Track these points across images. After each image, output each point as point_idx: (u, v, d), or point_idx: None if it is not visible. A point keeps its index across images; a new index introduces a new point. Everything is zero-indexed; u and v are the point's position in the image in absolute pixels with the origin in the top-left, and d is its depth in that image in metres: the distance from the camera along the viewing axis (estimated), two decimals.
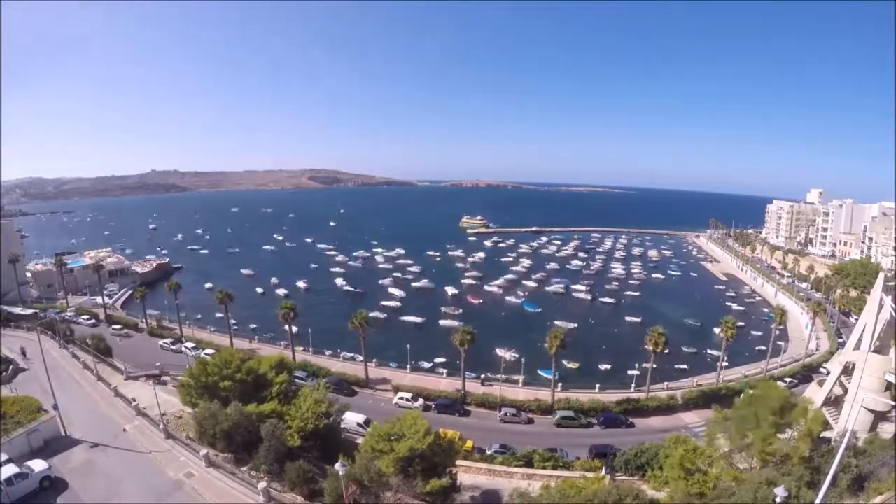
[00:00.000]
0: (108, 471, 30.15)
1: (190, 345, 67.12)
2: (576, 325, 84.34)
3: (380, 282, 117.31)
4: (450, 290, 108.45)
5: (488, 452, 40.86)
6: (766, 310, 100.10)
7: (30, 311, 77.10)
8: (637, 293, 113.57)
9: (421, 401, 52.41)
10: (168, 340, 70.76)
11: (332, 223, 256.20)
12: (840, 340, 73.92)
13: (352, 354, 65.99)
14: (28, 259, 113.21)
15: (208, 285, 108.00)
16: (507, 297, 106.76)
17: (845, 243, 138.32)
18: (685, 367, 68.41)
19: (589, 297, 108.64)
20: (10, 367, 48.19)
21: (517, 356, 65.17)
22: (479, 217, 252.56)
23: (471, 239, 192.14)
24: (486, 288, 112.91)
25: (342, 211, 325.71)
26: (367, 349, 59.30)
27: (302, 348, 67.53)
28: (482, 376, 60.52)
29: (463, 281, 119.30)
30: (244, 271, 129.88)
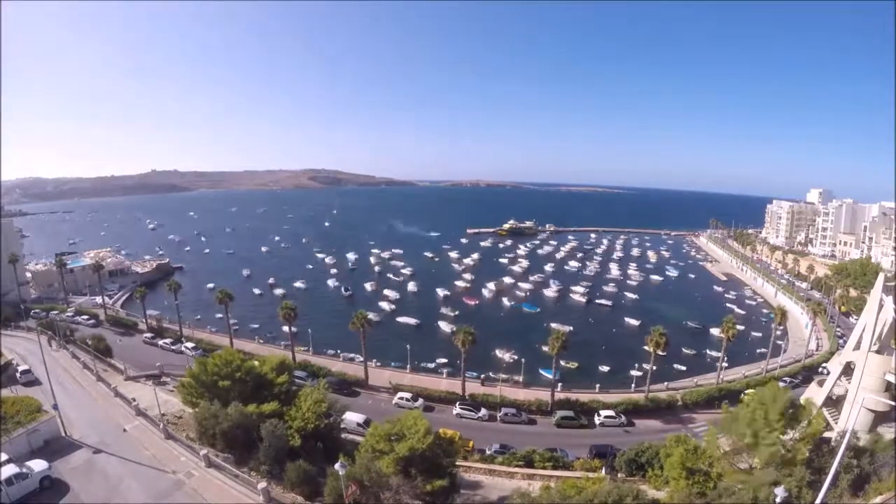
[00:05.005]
0: (108, 471, 30.12)
1: (190, 345, 67.18)
2: (571, 328, 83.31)
3: (373, 283, 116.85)
4: (446, 292, 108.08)
5: (488, 452, 40.90)
6: (766, 310, 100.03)
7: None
8: (635, 295, 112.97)
9: (421, 401, 52.45)
10: (168, 340, 70.75)
11: (326, 223, 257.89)
12: (840, 340, 73.90)
13: (352, 355, 66.00)
14: (28, 259, 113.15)
15: (210, 285, 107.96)
16: (505, 298, 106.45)
17: (845, 243, 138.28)
18: (685, 367, 68.34)
19: (585, 299, 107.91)
20: (10, 367, 48.20)
21: (516, 357, 65.24)
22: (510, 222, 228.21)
23: (463, 241, 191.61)
24: (483, 290, 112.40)
25: (335, 212, 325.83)
26: (367, 349, 59.24)
27: (303, 348, 67.51)
28: (482, 376, 60.61)
29: (458, 283, 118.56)
30: (243, 272, 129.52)
